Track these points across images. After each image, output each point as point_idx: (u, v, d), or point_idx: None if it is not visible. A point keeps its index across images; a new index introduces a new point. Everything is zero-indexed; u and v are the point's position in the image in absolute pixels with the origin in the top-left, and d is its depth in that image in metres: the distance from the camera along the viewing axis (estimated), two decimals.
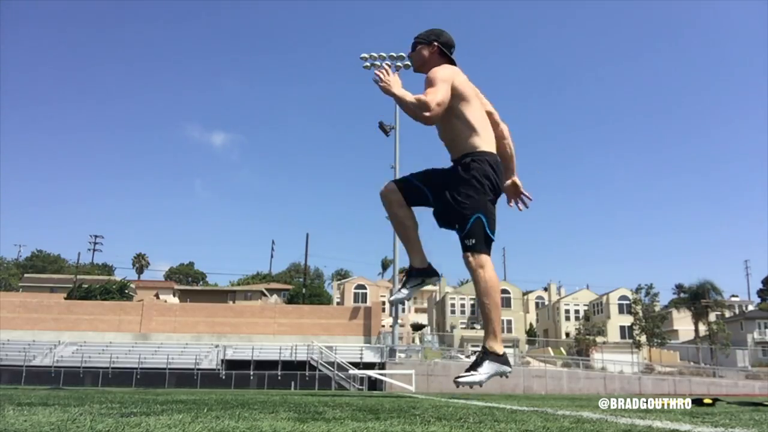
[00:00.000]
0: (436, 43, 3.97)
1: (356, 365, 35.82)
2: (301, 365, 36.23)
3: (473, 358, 3.77)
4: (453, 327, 65.80)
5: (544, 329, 70.16)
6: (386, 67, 3.84)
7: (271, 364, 36.25)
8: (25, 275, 70.13)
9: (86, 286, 55.07)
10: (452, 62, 3.99)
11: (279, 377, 35.23)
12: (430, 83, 3.71)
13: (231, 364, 36.31)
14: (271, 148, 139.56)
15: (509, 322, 64.39)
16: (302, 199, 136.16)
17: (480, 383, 3.45)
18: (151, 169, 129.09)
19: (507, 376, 3.60)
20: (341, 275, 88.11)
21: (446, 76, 3.71)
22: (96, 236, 78.74)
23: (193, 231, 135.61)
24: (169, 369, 35.38)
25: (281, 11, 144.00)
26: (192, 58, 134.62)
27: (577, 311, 66.82)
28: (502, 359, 3.62)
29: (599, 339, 56.12)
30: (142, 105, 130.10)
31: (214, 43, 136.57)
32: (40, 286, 63.37)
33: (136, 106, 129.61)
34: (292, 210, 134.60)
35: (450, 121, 3.76)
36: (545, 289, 76.68)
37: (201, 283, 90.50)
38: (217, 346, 38.44)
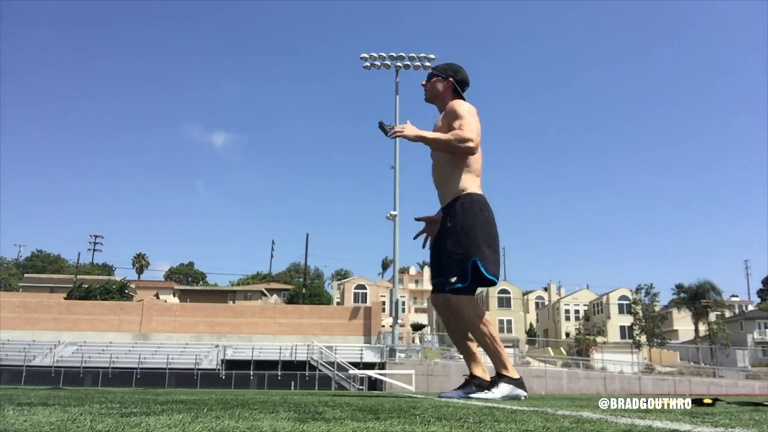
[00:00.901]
0: (452, 79, 4.04)
1: (356, 365, 35.86)
2: (301, 365, 36.26)
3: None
4: None
5: (544, 329, 70.21)
6: (395, 124, 3.94)
7: (271, 364, 36.28)
8: (25, 275, 70.20)
9: (86, 286, 55.11)
10: (463, 99, 4.06)
11: (279, 377, 35.26)
12: (456, 115, 3.79)
13: (231, 364, 36.35)
14: (272, 148, 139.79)
15: (509, 322, 64.39)
16: (302, 199, 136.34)
17: (495, 400, 3.50)
18: (152, 169, 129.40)
19: (522, 399, 3.63)
20: (341, 275, 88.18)
21: (473, 112, 3.83)
22: (96, 236, 78.85)
23: (194, 231, 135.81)
24: (169, 369, 35.41)
25: (280, 11, 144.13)
26: (192, 58, 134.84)
27: (577, 311, 66.87)
28: (518, 383, 3.66)
29: (599, 339, 56.17)
30: (143, 105, 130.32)
31: (214, 43, 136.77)
32: (40, 286, 63.41)
33: (137, 105, 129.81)
34: (292, 210, 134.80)
35: (452, 159, 3.81)
36: (545, 289, 76.73)
37: (201, 283, 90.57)
38: (217, 346, 38.47)
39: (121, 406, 2.28)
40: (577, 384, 37.83)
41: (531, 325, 70.35)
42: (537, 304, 75.89)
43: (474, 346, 3.83)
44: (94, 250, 79.21)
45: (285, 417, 1.81)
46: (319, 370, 35.79)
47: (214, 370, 36.11)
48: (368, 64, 36.80)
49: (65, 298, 50.02)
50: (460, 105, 3.84)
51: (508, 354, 3.89)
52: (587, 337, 54.94)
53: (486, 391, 3.71)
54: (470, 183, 3.76)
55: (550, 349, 56.73)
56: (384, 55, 36.76)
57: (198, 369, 35.86)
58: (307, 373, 35.63)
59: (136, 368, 35.57)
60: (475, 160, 3.80)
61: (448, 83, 4.02)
